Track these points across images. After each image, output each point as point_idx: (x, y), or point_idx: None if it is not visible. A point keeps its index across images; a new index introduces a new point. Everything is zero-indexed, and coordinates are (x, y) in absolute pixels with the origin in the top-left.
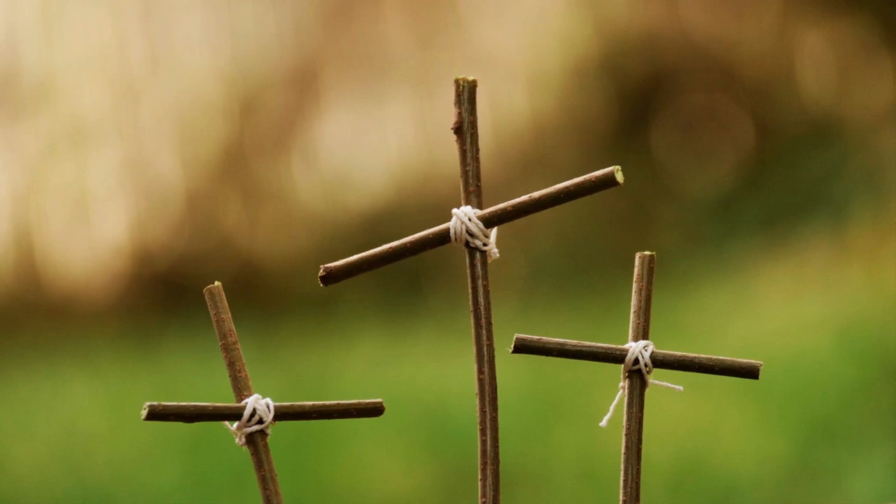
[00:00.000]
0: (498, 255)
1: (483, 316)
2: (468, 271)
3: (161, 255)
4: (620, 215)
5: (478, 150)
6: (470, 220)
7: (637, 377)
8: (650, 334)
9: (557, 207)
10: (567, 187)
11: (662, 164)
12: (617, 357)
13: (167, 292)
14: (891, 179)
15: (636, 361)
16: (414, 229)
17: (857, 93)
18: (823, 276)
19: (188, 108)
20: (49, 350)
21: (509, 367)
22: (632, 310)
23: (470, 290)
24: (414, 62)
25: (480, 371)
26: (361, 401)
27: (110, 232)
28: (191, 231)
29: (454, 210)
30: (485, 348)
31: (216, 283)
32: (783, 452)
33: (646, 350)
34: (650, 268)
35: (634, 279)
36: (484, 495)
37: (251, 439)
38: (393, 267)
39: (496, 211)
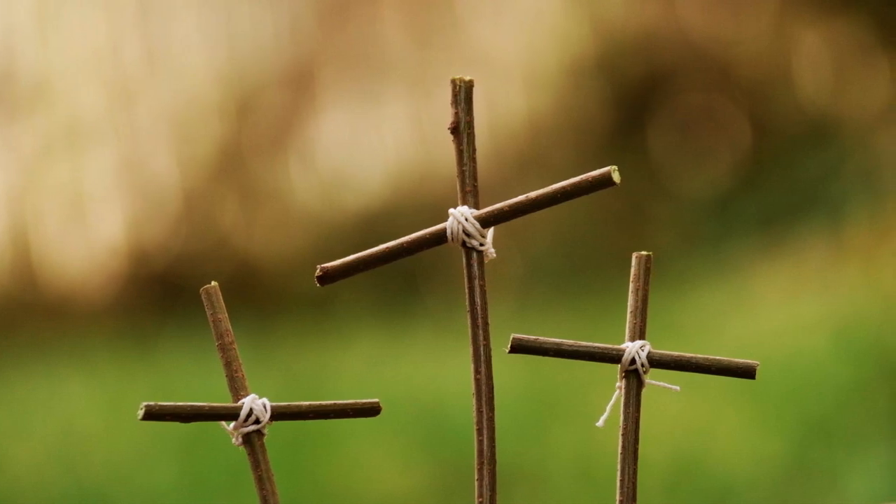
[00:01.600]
0: (494, 255)
1: (480, 316)
2: (465, 271)
3: (158, 255)
4: (617, 215)
5: (474, 150)
6: (466, 220)
7: (634, 377)
8: (647, 334)
9: (554, 207)
10: (564, 187)
11: (659, 164)
12: (613, 357)
13: (164, 292)
14: (888, 179)
15: (633, 361)
16: (411, 229)
17: (854, 93)
18: (820, 276)
19: (185, 108)
20: (46, 350)
21: (506, 367)
22: (628, 310)
23: (467, 291)
24: (411, 62)
25: (477, 371)
26: (358, 401)
27: (107, 232)
28: (187, 231)
29: (451, 210)
30: (481, 348)
31: (213, 282)
32: (779, 452)
33: (642, 350)
34: (647, 268)
35: (631, 279)
36: (481, 495)
37: (248, 439)
38: (390, 267)
39: (493, 211)
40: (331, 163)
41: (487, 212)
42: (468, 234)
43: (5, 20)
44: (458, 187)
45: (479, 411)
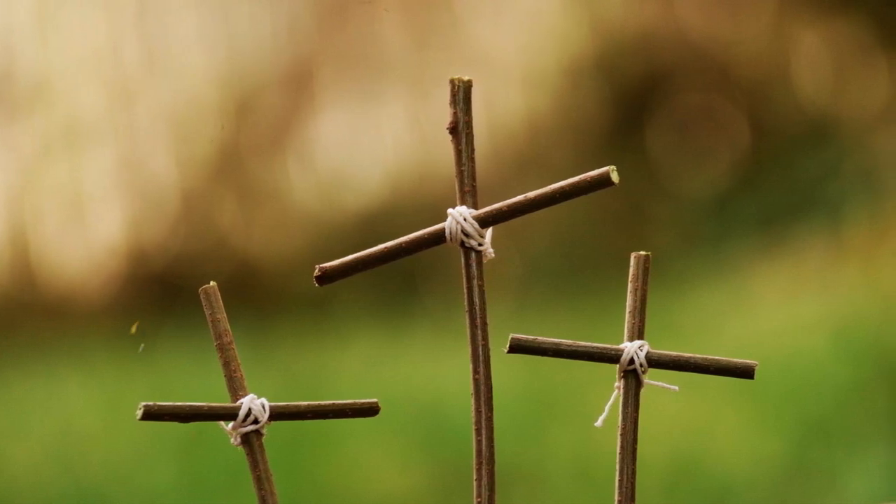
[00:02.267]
0: (493, 255)
1: (478, 316)
2: (463, 271)
3: (156, 255)
4: (616, 215)
5: (473, 150)
6: (465, 220)
7: (632, 377)
8: (645, 334)
9: (553, 207)
10: (562, 187)
11: (658, 164)
12: (612, 357)
13: (163, 292)
14: (887, 179)
15: (631, 361)
16: (409, 229)
17: (854, 93)
18: (820, 277)
19: (183, 107)
20: (45, 350)
21: (504, 367)
22: (627, 310)
23: (465, 291)
24: (410, 62)
25: (476, 371)
26: (357, 401)
27: (106, 232)
28: (186, 231)
29: (449, 210)
30: (480, 348)
31: (212, 283)
32: (778, 452)
33: (641, 350)
34: (646, 268)
35: (630, 279)
36: (479, 495)
37: (246, 439)
38: (388, 267)
39: (491, 211)
40: (330, 163)
41: (486, 212)
42: (467, 234)
43: (5, 20)
44: (456, 187)
45: (478, 411)
